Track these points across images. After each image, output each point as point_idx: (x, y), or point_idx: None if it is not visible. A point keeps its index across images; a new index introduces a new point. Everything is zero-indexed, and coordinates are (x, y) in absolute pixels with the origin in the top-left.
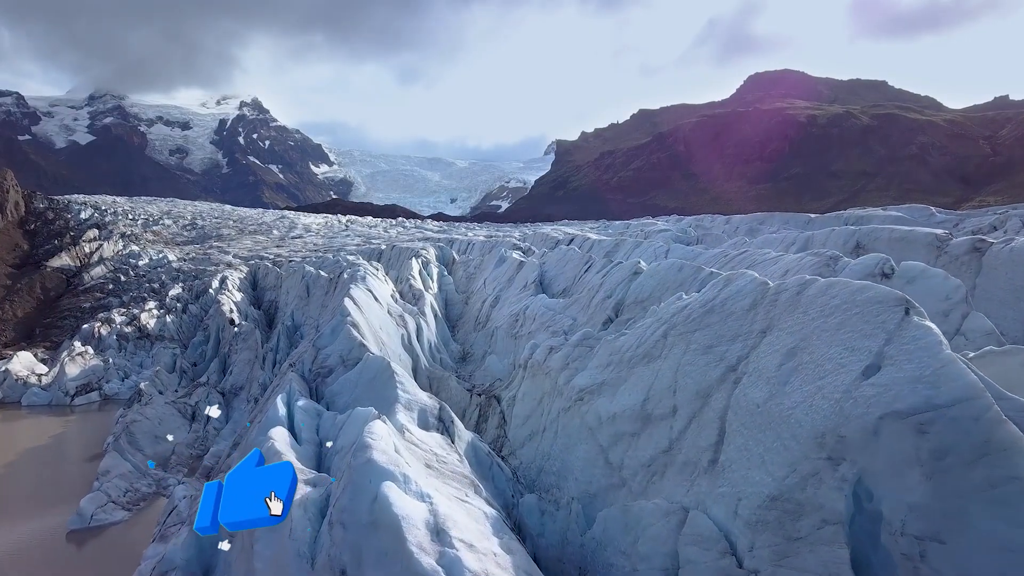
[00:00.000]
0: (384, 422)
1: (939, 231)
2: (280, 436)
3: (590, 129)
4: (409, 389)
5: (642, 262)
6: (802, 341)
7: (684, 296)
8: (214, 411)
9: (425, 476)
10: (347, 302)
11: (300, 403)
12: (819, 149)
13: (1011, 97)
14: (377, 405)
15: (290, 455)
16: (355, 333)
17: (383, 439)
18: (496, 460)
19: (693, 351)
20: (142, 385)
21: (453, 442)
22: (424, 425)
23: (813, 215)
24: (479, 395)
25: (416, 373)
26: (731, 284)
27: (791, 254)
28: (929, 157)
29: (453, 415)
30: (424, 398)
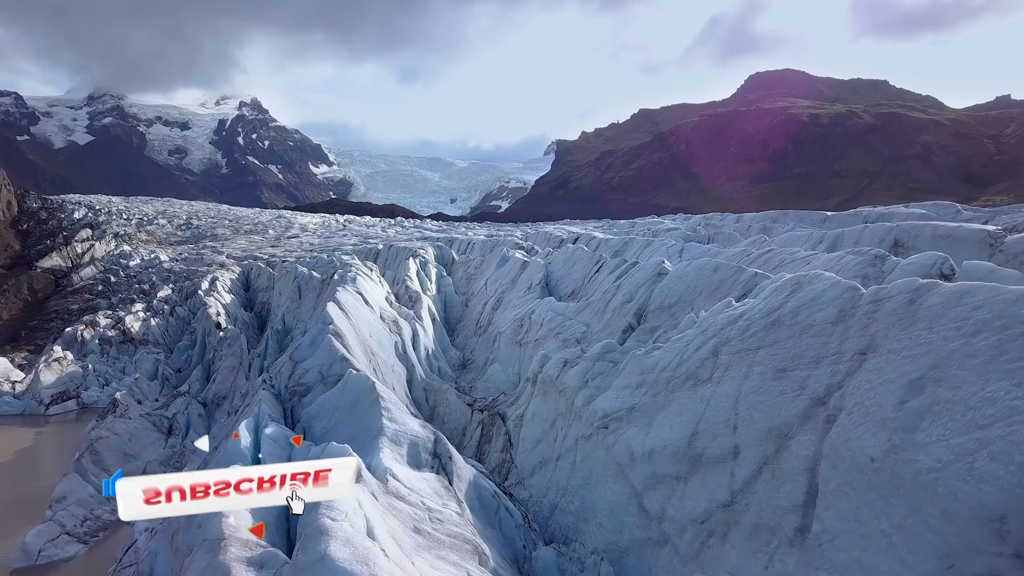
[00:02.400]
0: (358, 478)
1: (990, 227)
2: None
3: (590, 129)
4: (397, 417)
5: (667, 262)
6: (933, 370)
7: (734, 303)
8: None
9: (412, 552)
10: (331, 307)
11: (269, 430)
12: (822, 148)
13: (1013, 97)
14: (359, 437)
15: (242, 513)
16: (337, 344)
17: (349, 516)
18: (504, 502)
19: (759, 375)
20: (118, 395)
21: (451, 483)
22: (416, 462)
23: (829, 213)
24: (481, 411)
25: (411, 385)
26: (803, 288)
27: (824, 253)
28: (933, 156)
29: (451, 449)
30: (416, 428)
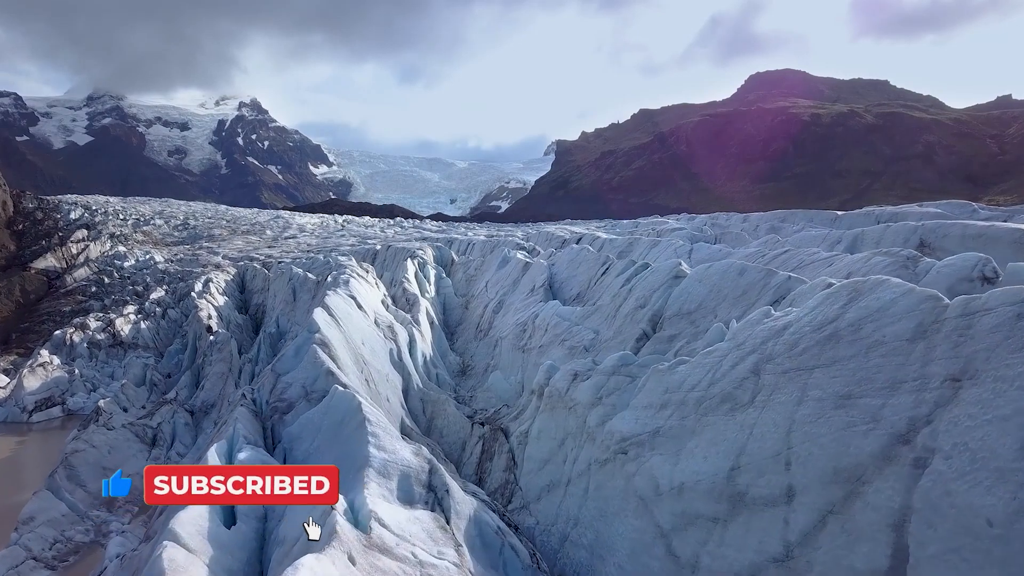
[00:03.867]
0: (324, 552)
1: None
2: (191, 527)
3: (590, 129)
4: (386, 444)
5: (684, 263)
6: None
7: (774, 312)
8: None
9: None
10: (318, 313)
11: (242, 455)
12: (823, 148)
13: (1013, 96)
14: (342, 464)
15: (194, 571)
16: (323, 355)
17: None
18: (509, 539)
19: (815, 401)
20: (101, 403)
21: (449, 522)
22: (407, 497)
23: (840, 212)
24: (482, 424)
25: (407, 395)
26: (864, 297)
27: (846, 254)
28: (935, 156)
29: (448, 480)
30: (407, 456)
